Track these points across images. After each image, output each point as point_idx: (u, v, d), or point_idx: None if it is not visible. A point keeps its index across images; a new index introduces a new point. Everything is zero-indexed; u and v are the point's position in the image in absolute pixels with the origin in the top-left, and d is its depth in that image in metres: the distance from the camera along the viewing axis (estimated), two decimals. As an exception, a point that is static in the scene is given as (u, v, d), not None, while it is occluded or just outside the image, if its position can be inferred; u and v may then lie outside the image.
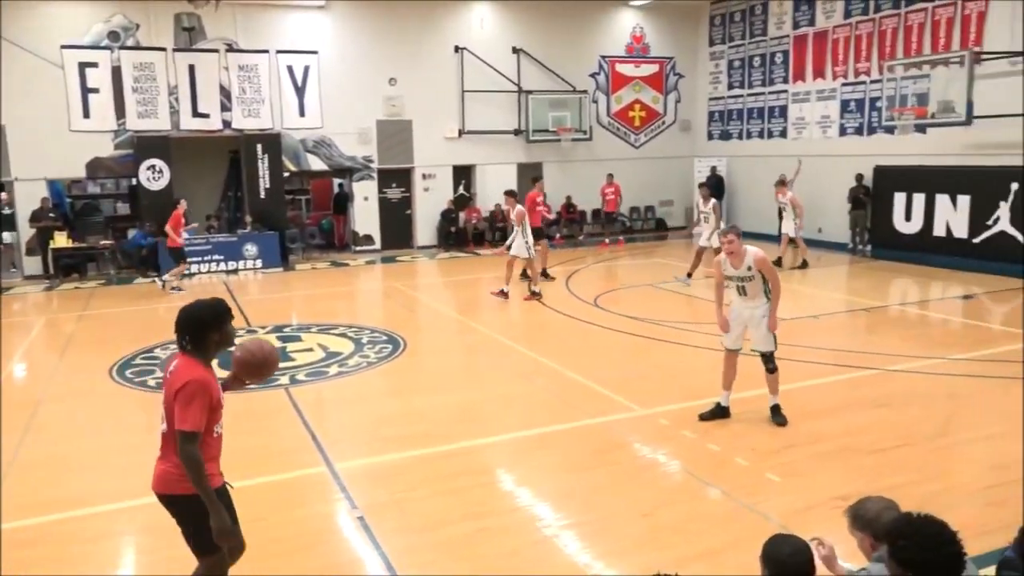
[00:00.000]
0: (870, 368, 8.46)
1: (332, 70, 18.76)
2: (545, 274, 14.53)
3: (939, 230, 15.58)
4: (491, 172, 20.61)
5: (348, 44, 18.93)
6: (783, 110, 19.52)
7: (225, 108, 18.02)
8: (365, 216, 19.79)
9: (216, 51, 17.83)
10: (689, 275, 13.96)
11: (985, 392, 7.65)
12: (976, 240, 14.90)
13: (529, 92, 20.31)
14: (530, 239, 12.89)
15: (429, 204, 20.18)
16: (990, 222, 14.63)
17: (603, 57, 21.42)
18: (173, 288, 14.66)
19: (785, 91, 19.41)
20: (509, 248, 12.96)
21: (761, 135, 20.30)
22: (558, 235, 20.68)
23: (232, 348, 3.81)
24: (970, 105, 13.47)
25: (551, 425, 7.05)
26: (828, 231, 17.86)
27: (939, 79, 14.24)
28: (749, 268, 6.70)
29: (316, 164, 19.11)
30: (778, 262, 15.20)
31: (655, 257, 18.04)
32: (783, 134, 19.57)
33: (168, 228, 14.53)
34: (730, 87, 21.27)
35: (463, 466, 6.14)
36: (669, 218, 22.45)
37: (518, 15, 20.29)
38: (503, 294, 12.91)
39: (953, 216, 15.31)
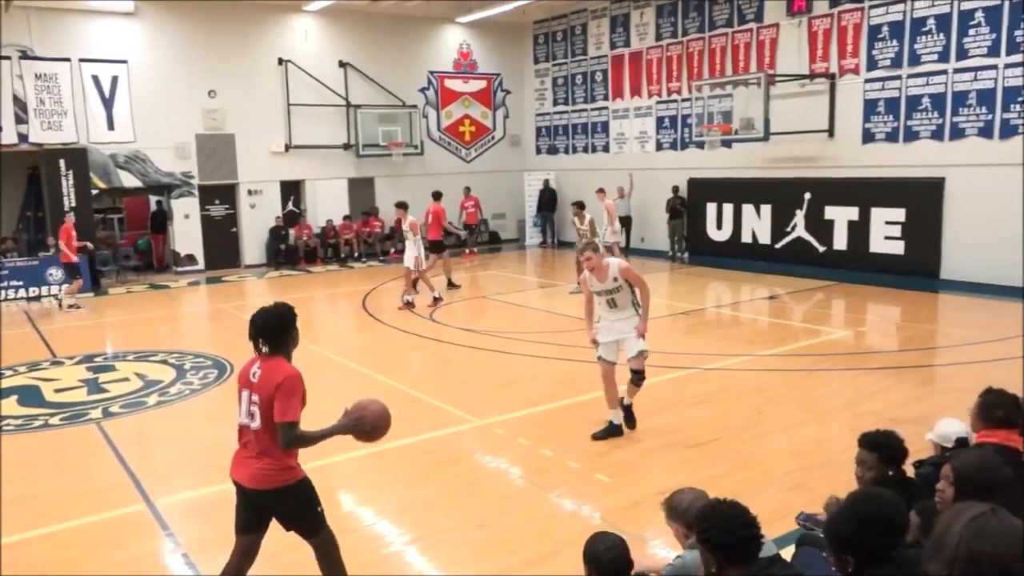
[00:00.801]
0: (689, 368, 9.01)
1: (144, 81, 17.66)
2: (451, 283, 14.93)
3: (746, 237, 16.92)
4: (321, 187, 20.16)
5: (162, 54, 17.91)
6: (605, 126, 20.48)
7: (21, 120, 16.50)
8: (187, 235, 18.75)
9: (8, 58, 16.30)
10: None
11: (789, 384, 8.36)
12: (778, 245, 16.31)
13: (358, 106, 20.08)
14: (421, 251, 13.23)
15: (256, 221, 19.43)
16: (789, 228, 16.07)
17: (432, 72, 21.56)
18: (71, 306, 14.12)
19: (606, 108, 20.38)
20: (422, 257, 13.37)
21: (586, 149, 21.19)
22: (392, 250, 20.53)
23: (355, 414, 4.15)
24: (767, 122, 14.75)
25: (387, 443, 6.93)
26: (650, 240, 18.90)
27: (740, 98, 15.48)
28: (615, 279, 6.70)
29: (129, 181, 17.89)
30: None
31: (490, 269, 18.32)
32: (606, 148, 20.52)
33: (61, 244, 14.14)
34: (555, 103, 22.05)
35: (296, 491, 5.93)
36: (502, 231, 22.89)
37: (344, 29, 20.03)
38: (409, 305, 13.10)
39: (758, 224, 16.68)
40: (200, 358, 10.30)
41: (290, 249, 19.57)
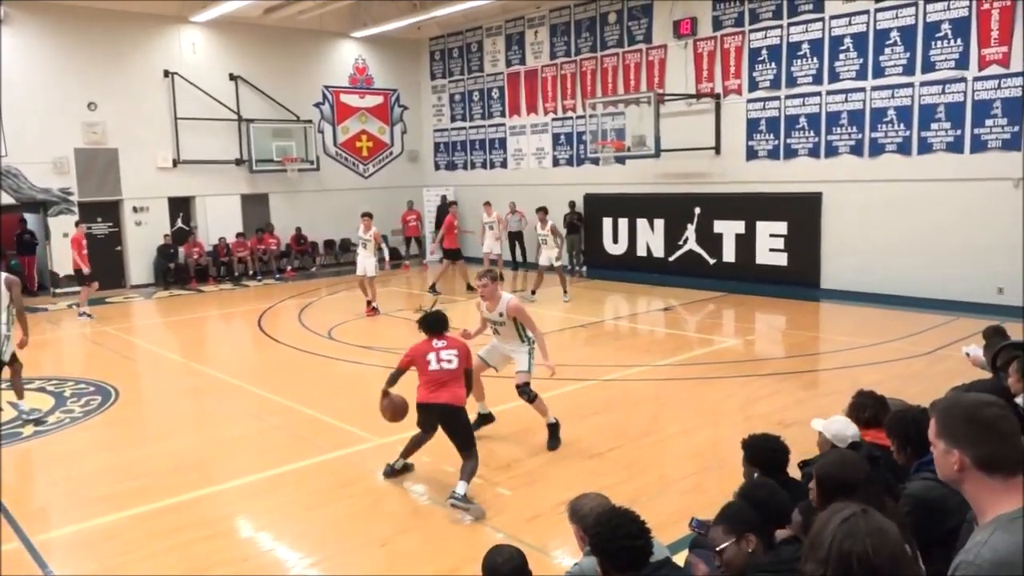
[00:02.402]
0: (588, 379, 9.17)
1: (16, 92, 16.64)
2: (469, 287, 15.58)
3: (641, 250, 17.40)
4: (212, 204, 19.49)
5: (35, 64, 16.94)
6: (502, 142, 20.68)
7: None
8: (66, 254, 17.71)
9: None
10: (533, 291, 14.92)
11: (683, 391, 8.63)
12: (671, 258, 16.85)
13: (250, 121, 19.55)
14: (385, 257, 14.43)
15: (143, 239, 18.59)
16: (681, 242, 16.63)
17: (327, 87, 21.26)
18: (82, 314, 14.59)
19: (503, 124, 20.60)
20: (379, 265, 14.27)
21: (484, 165, 21.33)
22: (289, 268, 20.05)
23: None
24: (658, 140, 15.25)
25: (285, 465, 6.77)
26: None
27: (632, 116, 15.96)
28: (501, 314, 6.83)
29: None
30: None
31: (390, 286, 18.13)
32: (504, 164, 20.72)
33: (73, 253, 14.74)
34: (453, 119, 22.13)
35: (185, 520, 5.68)
36: (402, 246, 22.70)
37: (234, 41, 19.50)
38: (374, 310, 13.94)
39: (652, 238, 17.19)
40: (82, 384, 9.73)
41: (180, 268, 18.80)
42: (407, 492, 6.16)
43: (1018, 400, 3.96)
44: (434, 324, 6.02)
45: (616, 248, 17.86)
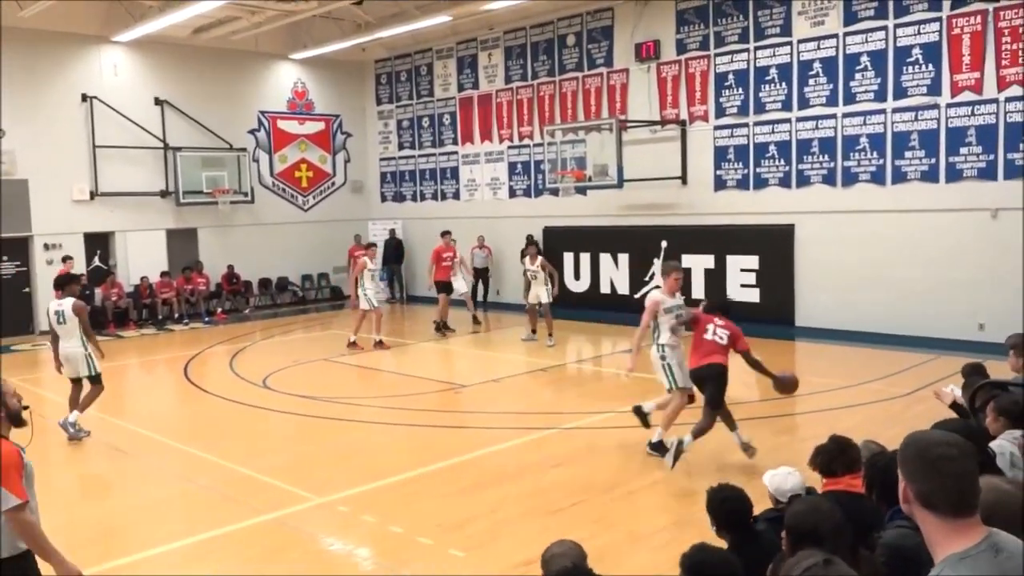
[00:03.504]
0: (549, 428, 9.21)
1: (-87, 118, 16.33)
2: (445, 325, 16.06)
3: (605, 287, 17.61)
4: (134, 240, 19.22)
5: (-64, 87, 16.67)
6: (455, 171, 20.86)
7: None
8: (-34, 298, 17.28)
9: None
10: (533, 331, 15.06)
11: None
12: (637, 295, 17.02)
13: (177, 149, 19.44)
14: (369, 291, 14.76)
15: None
16: (647, 278, 16.87)
17: (263, 113, 21.27)
18: None
19: (455, 152, 20.80)
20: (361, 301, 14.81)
21: (435, 196, 21.46)
22: (219, 310, 19.81)
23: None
24: (620, 169, 15.53)
25: (215, 529, 6.65)
26: (506, 292, 19.26)
27: (593, 144, 16.26)
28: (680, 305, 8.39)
29: None
30: (475, 320, 16.37)
31: (332, 328, 18.03)
32: (456, 196, 20.87)
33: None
34: (401, 147, 22.27)
35: (103, 594, 5.55)
36: (345, 285, 22.57)
37: (160, 63, 19.45)
38: (379, 343, 14.69)
39: (616, 273, 17.42)
40: (-17, 443, 9.44)
41: (97, 311, 18.41)
42: (351, 556, 6.10)
43: (995, 444, 4.11)
44: (721, 308, 8.13)
45: (578, 285, 18.04)
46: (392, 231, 21.82)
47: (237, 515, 6.94)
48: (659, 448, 7.95)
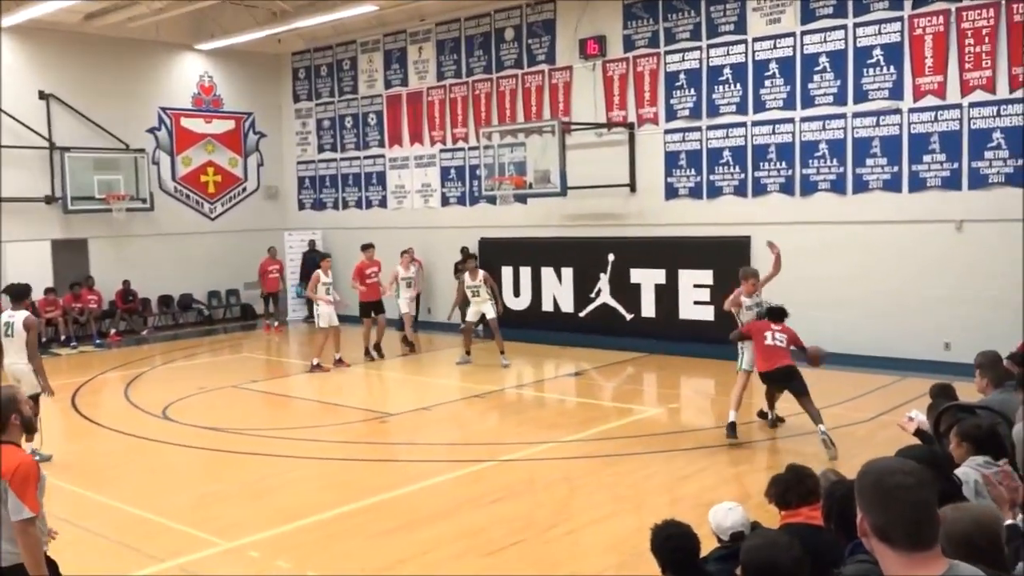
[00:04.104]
0: (485, 460, 9.22)
1: None
2: (377, 349, 15.86)
3: (547, 304, 17.70)
4: (15, 252, 18.64)
5: None
6: (381, 176, 20.79)
7: None
8: None
9: None
10: (468, 353, 15.18)
11: (598, 472, 8.78)
12: (582, 313, 17.20)
13: (65, 149, 18.97)
14: (323, 309, 14.87)
15: (-80, 297, 17.56)
16: (593, 294, 17.03)
17: (165, 109, 20.92)
18: None
19: (382, 156, 20.74)
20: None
21: (360, 204, 21.34)
22: (113, 331, 19.34)
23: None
24: (564, 175, 15.67)
25: (106, 580, 6.47)
26: (437, 310, 19.22)
27: (534, 148, 16.38)
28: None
29: None
30: (405, 342, 16.21)
31: (242, 352, 17.78)
32: (383, 203, 20.79)
33: None
34: (321, 150, 22.12)
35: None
36: (257, 303, 22.25)
37: (46, 52, 18.99)
38: (319, 367, 14.72)
39: (559, 289, 17.53)
40: None
41: (-31, 333, 17.82)
42: (263, 607, 5.99)
43: (959, 471, 4.25)
44: (776, 313, 9.82)
45: (518, 302, 18.08)
46: (311, 242, 21.62)
47: (132, 563, 6.77)
48: (732, 430, 9.72)
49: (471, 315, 15.21)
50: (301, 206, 22.78)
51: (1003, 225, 12.54)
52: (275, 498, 8.25)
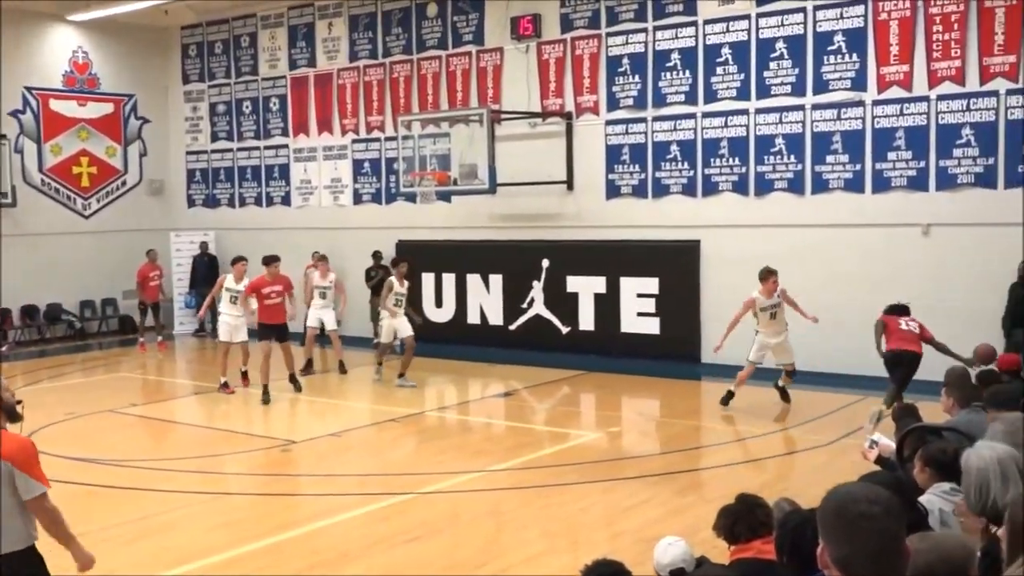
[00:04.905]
0: (403, 493, 9.17)
1: None
2: (308, 366, 15.94)
3: (473, 316, 17.71)
4: None
5: None
6: (284, 170, 20.59)
7: None
8: None
9: None
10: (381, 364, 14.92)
11: (530, 504, 8.82)
12: (513, 327, 17.26)
13: (-89, 134, 18.40)
14: (223, 320, 14.61)
15: None
16: (525, 305, 17.10)
17: (30, 89, 20.45)
18: None
19: (285, 146, 20.55)
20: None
21: (259, 201, 21.10)
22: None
23: None
24: (493, 170, 15.72)
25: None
26: (347, 322, 19.04)
27: (460, 139, 16.42)
28: (777, 296, 12.25)
29: None
30: (308, 366, 15.91)
31: (120, 371, 17.42)
32: (286, 200, 20.59)
33: None
34: (215, 138, 21.83)
35: None
36: (138, 314, 21.80)
37: None
38: (226, 387, 14.36)
39: (487, 299, 17.56)
40: None
41: None
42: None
43: (924, 499, 4.37)
44: (901, 308, 11.39)
45: (441, 314, 18.06)
46: (203, 245, 21.29)
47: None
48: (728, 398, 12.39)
49: (386, 333, 14.82)
50: (191, 203, 22.43)
51: (973, 229, 12.98)
52: (159, 539, 8.09)
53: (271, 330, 13.99)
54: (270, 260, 14.24)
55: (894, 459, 5.67)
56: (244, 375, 14.74)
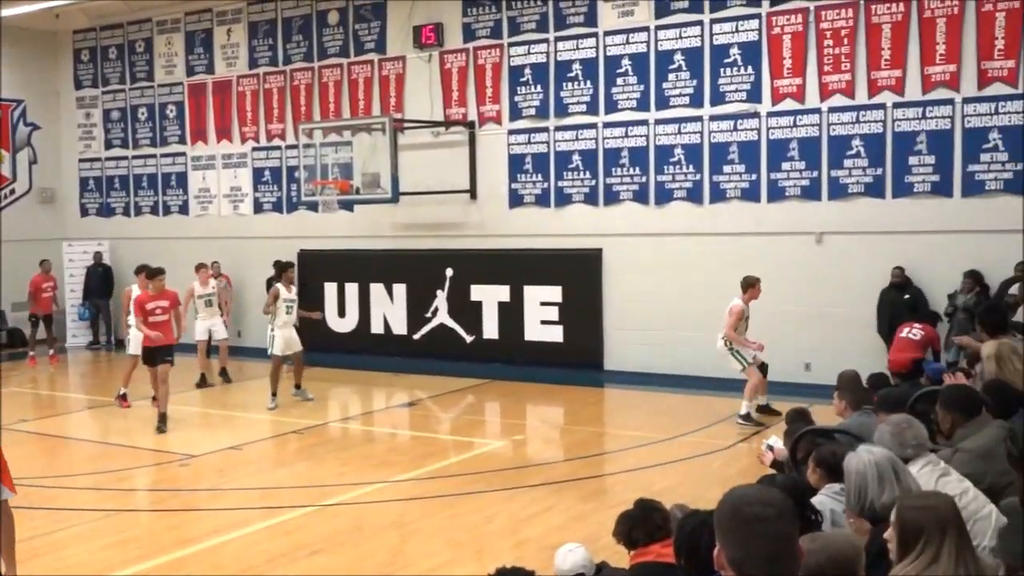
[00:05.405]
0: (304, 506, 9.07)
1: None
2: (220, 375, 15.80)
3: (377, 326, 17.63)
4: None
5: None
6: (182, 178, 20.21)
7: None
8: None
9: None
10: (275, 394, 13.90)
11: (434, 514, 8.79)
12: (417, 336, 17.22)
13: None
14: (135, 332, 13.37)
15: None
16: (429, 314, 17.08)
17: (-89, 93, 19.69)
18: None
19: (183, 154, 20.17)
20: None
21: (155, 211, 20.66)
22: None
23: None
24: (396, 180, 15.66)
25: None
26: (249, 334, 18.78)
27: (362, 148, 16.30)
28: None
29: None
30: (203, 380, 15.53)
31: (10, 385, 16.79)
32: (184, 210, 20.20)
33: None
34: (109, 146, 21.33)
35: None
36: (28, 326, 21.12)
37: None
38: (123, 399, 13.76)
39: (390, 309, 17.50)
40: None
41: None
42: None
43: (815, 500, 4.50)
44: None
45: (344, 324, 17.93)
46: (97, 255, 20.75)
47: None
48: (748, 419, 11.72)
49: (280, 346, 13.95)
50: (84, 212, 21.85)
51: (863, 238, 13.44)
52: (49, 559, 7.83)
53: (157, 353, 12.66)
54: (154, 273, 13.05)
55: (788, 463, 5.83)
56: (154, 399, 13.10)
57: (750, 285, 12.20)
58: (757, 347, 11.99)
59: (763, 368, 12.19)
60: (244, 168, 19.39)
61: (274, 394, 13.93)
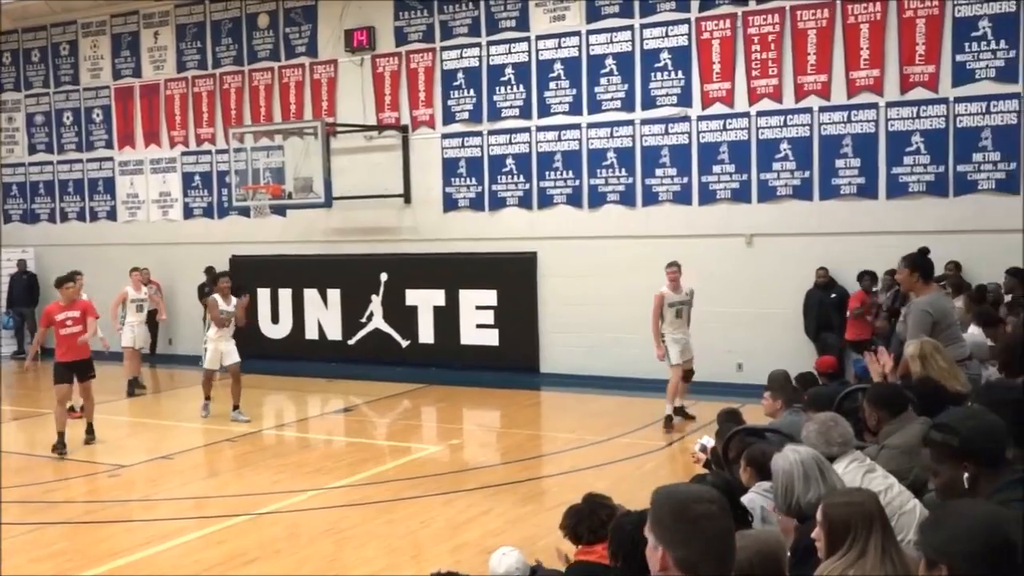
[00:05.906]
0: (239, 514, 8.98)
1: None
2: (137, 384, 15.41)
3: (311, 332, 17.51)
4: None
5: None
6: (109, 184, 19.87)
7: None
8: None
9: None
10: (209, 399, 13.61)
11: (370, 520, 8.78)
12: (351, 341, 17.14)
13: None
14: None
15: None
16: (364, 319, 17.01)
17: None
18: None
19: (110, 159, 19.84)
20: None
21: (82, 216, 20.29)
22: None
23: None
24: (328, 184, 15.60)
25: None
26: (180, 341, 18.56)
27: (294, 152, 16.20)
28: (687, 293, 12.17)
29: None
30: (134, 384, 15.39)
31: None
32: (112, 215, 19.87)
33: None
34: (33, 151, 20.92)
35: None
36: (-49, 337, 20.66)
37: None
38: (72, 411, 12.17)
39: (325, 314, 17.39)
40: None
41: None
42: None
43: (745, 498, 4.60)
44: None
45: (277, 330, 17.78)
46: (21, 263, 20.30)
47: None
48: (668, 423, 11.82)
49: (211, 359, 13.53)
50: (7, 218, 21.38)
51: (792, 239, 13.69)
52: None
53: (70, 369, 11.82)
54: (62, 281, 12.04)
55: (720, 461, 5.93)
56: (72, 410, 12.47)
57: (667, 270, 12.19)
58: (658, 354, 12.05)
59: (688, 376, 12.24)
60: (173, 173, 19.13)
61: (207, 398, 13.69)
